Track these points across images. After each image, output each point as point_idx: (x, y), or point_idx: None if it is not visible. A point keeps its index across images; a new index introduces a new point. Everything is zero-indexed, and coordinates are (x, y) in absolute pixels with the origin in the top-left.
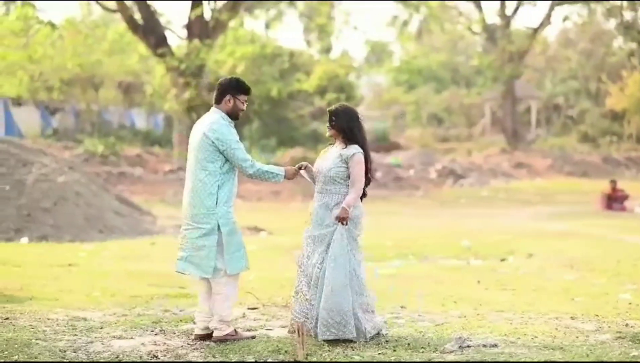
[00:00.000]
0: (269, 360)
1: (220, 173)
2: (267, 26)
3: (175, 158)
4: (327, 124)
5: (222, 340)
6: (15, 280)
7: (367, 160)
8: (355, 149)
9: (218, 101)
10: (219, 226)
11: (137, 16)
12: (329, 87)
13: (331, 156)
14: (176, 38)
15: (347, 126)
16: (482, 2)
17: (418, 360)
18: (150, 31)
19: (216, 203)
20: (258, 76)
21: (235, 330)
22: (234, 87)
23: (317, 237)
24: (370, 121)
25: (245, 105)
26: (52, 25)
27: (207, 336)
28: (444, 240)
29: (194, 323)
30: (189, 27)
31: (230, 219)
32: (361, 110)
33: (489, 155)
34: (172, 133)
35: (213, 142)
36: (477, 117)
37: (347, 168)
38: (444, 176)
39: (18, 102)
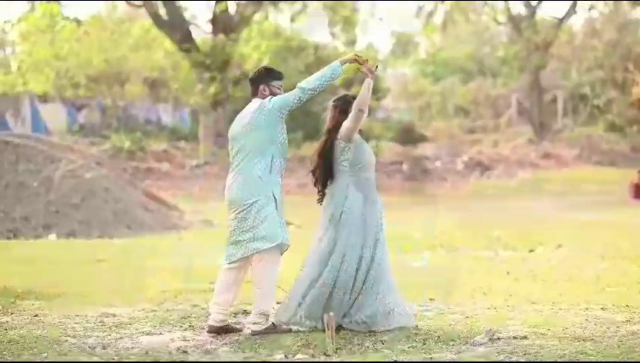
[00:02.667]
0: (298, 355)
1: (275, 142)
2: (292, 20)
3: (202, 153)
4: None
5: (262, 333)
6: (44, 276)
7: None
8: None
9: (255, 95)
10: (273, 193)
11: (162, 11)
12: (355, 80)
13: None
14: (201, 33)
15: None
16: None
17: (448, 352)
18: (176, 26)
19: (270, 171)
20: (283, 69)
21: (273, 323)
22: (264, 76)
23: None
24: (397, 113)
25: (282, 90)
26: (78, 22)
27: (221, 329)
28: (472, 232)
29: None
30: (213, 21)
31: (281, 189)
32: (387, 102)
33: (516, 146)
34: (198, 128)
35: (271, 109)
36: (503, 108)
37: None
38: (470, 168)
39: (44, 98)
